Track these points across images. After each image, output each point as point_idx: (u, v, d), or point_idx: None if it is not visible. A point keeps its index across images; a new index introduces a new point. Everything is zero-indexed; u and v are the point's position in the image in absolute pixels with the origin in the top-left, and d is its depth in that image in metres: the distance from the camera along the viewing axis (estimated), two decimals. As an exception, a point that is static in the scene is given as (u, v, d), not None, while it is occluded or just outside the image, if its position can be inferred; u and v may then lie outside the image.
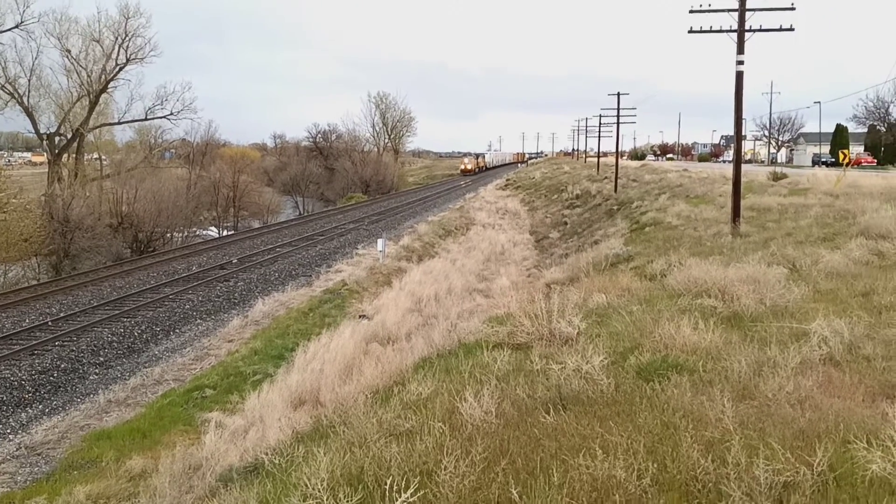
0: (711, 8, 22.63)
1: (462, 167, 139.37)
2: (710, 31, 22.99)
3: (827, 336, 7.60)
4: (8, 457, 14.60)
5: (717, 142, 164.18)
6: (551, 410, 6.15)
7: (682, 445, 5.04)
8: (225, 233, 59.84)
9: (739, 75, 22.77)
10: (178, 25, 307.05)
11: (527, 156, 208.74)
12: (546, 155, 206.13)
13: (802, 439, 5.11)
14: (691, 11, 22.86)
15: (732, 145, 27.19)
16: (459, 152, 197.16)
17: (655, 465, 4.80)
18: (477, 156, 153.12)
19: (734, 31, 22.51)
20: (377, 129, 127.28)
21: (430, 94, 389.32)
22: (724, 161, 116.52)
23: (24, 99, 49.82)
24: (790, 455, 4.67)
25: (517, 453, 5.26)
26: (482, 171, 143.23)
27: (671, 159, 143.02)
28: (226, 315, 25.86)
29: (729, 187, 26.33)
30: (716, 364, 7.11)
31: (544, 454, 5.19)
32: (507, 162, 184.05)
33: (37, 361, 19.76)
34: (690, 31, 23.28)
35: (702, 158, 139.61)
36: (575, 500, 4.49)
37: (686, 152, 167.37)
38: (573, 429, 5.65)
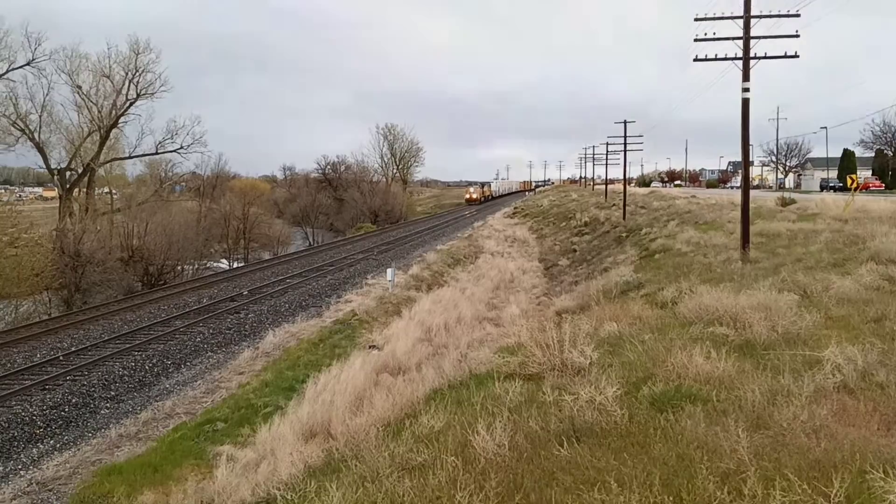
0: (716, 36, 22.83)
1: (467, 196, 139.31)
2: (716, 59, 23.16)
3: (840, 363, 7.56)
4: (19, 493, 14.53)
5: (724, 168, 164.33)
6: (565, 443, 6.12)
7: (697, 477, 5.01)
8: (235, 265, 60.01)
9: (745, 102, 22.87)
10: (187, 59, 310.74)
11: (533, 184, 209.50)
12: (553, 183, 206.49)
13: (818, 469, 5.07)
14: (696, 40, 23.09)
15: (740, 171, 27.22)
16: (467, 181, 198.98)
17: (671, 498, 4.77)
18: (482, 185, 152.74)
19: (739, 58, 22.67)
20: (385, 159, 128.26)
21: (438, 123, 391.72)
22: (731, 187, 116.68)
23: (36, 135, 50.24)
24: (807, 486, 4.64)
25: (531, 488, 5.24)
26: (488, 201, 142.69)
27: (679, 186, 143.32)
28: (236, 347, 25.85)
29: (737, 213, 26.33)
30: (729, 393, 7.07)
31: (559, 488, 5.16)
32: (514, 191, 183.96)
33: (48, 396, 19.75)
34: (696, 60, 23.49)
35: (710, 185, 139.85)
36: (591, 535, 4.46)
37: (694, 179, 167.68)
38: (587, 461, 5.62)
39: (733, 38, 22.72)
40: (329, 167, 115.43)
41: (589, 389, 7.00)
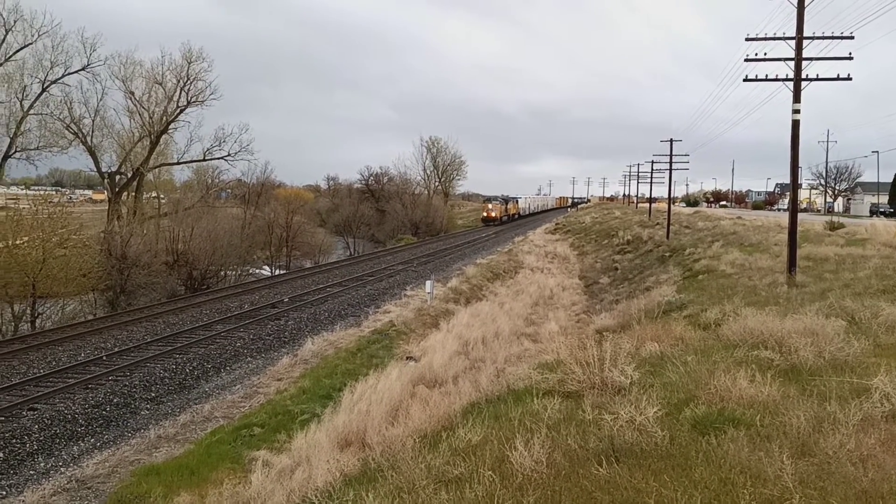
0: (767, 57, 22.54)
1: (484, 214, 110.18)
2: (766, 80, 22.85)
3: (889, 392, 7.37)
4: (59, 489, 14.77)
5: (771, 189, 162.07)
6: (604, 462, 6.05)
7: (740, 502, 4.91)
8: (277, 272, 60.59)
9: (796, 124, 22.51)
10: (235, 69, 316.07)
11: (570, 201, 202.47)
12: (590, 200, 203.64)
13: (865, 500, 4.94)
14: (747, 60, 22.81)
15: (788, 193, 26.80)
16: (503, 196, 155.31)
17: (713, 523, 4.68)
18: (506, 200, 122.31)
19: (790, 80, 22.32)
20: (428, 172, 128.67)
21: (480, 137, 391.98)
22: (778, 209, 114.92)
23: (88, 138, 51.31)
24: (853, 517, 4.52)
25: (569, 505, 5.18)
26: (513, 220, 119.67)
27: (724, 206, 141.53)
28: (276, 353, 26.08)
29: (784, 236, 25.88)
30: (774, 419, 6.93)
31: (597, 507, 5.10)
32: (549, 207, 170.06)
33: (90, 395, 20.11)
34: (746, 80, 23.17)
35: (756, 206, 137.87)
36: (629, 557, 4.40)
37: (740, 200, 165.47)
38: (627, 482, 5.54)
39: (784, 59, 22.39)
40: (372, 178, 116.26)
41: (629, 409, 6.92)
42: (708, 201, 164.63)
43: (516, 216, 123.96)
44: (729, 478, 5.44)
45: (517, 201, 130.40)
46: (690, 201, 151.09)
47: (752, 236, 37.70)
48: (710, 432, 6.57)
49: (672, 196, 60.84)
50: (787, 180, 25.19)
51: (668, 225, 50.97)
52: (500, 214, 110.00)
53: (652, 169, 70.49)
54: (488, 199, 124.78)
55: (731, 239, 37.97)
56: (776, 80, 22.65)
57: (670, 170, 58.18)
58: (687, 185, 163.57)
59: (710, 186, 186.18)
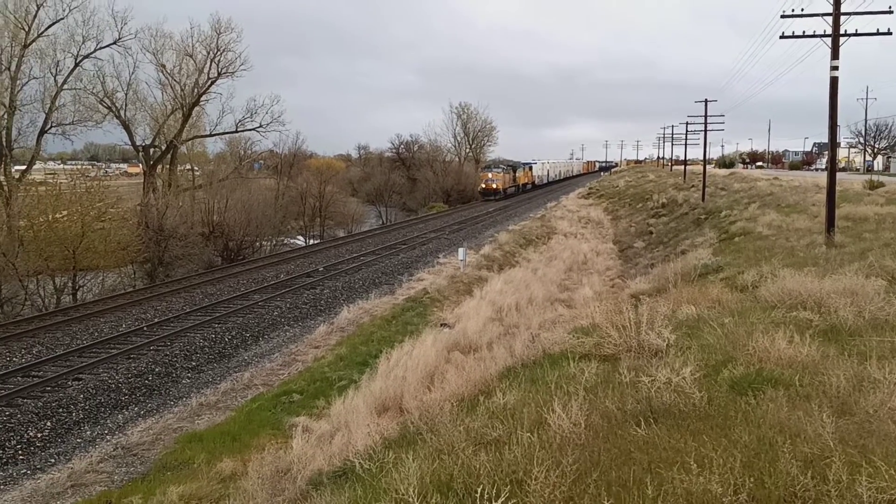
0: (804, 12, 22.00)
1: (483, 186, 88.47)
2: (804, 36, 22.32)
3: (932, 351, 7.28)
4: (106, 456, 15.17)
5: (809, 149, 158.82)
6: (642, 423, 6.07)
7: (779, 461, 4.91)
8: (311, 242, 61.06)
9: (834, 81, 22.00)
10: (264, 40, 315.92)
11: (597, 165, 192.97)
12: (617, 164, 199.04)
13: (907, 457, 4.91)
14: (783, 16, 22.30)
15: (826, 153, 26.27)
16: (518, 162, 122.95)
17: (752, 481, 4.69)
18: (513, 167, 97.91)
19: (828, 35, 21.79)
20: (458, 139, 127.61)
21: (509, 103, 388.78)
22: (816, 169, 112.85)
23: (122, 112, 51.75)
24: (894, 472, 4.50)
25: (609, 465, 5.22)
26: (524, 190, 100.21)
27: (761, 167, 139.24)
28: (312, 322, 26.40)
29: (822, 196, 25.45)
30: (813, 378, 6.90)
31: (636, 467, 5.13)
32: (575, 173, 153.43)
33: (133, 365, 20.56)
34: (782, 37, 22.67)
35: (793, 166, 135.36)
36: (669, 514, 4.44)
37: (776, 160, 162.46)
38: (665, 442, 5.56)
39: (822, 14, 21.83)
40: (402, 146, 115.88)
41: (666, 371, 6.91)
42: (744, 162, 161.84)
43: (529, 186, 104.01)
44: (768, 437, 5.44)
45: (531, 167, 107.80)
46: (726, 162, 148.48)
47: (790, 197, 37.14)
48: (749, 393, 6.55)
49: (707, 157, 59.92)
50: (825, 139, 24.74)
51: (704, 187, 50.35)
52: (504, 185, 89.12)
53: (686, 130, 69.42)
54: (488, 166, 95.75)
55: (767, 200, 37.44)
56: (813, 35, 22.12)
57: (705, 130, 57.29)
58: (722, 145, 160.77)
59: (745, 147, 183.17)
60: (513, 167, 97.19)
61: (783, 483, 4.66)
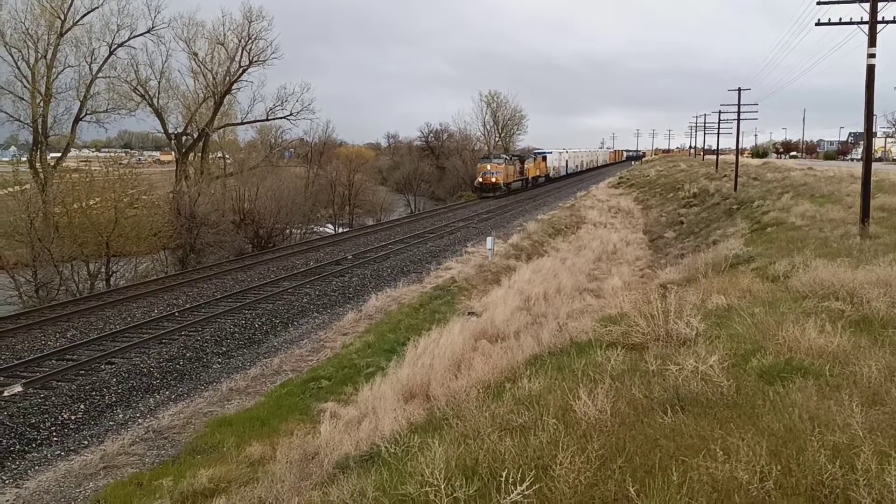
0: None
1: (479, 180, 73.87)
2: (840, 24, 21.96)
3: (967, 343, 7.16)
4: (137, 439, 15.37)
5: (844, 139, 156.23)
6: (669, 411, 6.05)
7: (807, 450, 4.87)
8: (340, 230, 61.37)
9: (870, 69, 21.61)
10: (294, 29, 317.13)
11: (624, 155, 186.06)
12: (645, 154, 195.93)
13: (939, 449, 4.84)
14: (819, 2, 21.96)
15: (861, 142, 25.80)
16: (524, 152, 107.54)
17: (779, 469, 4.66)
18: (521, 158, 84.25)
19: (865, 22, 21.41)
20: (488, 127, 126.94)
21: (539, 92, 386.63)
22: (851, 159, 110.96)
23: (154, 100, 52.31)
24: (926, 463, 4.44)
25: (634, 452, 5.21)
26: (535, 185, 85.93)
27: (795, 157, 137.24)
28: (341, 309, 26.54)
29: (857, 186, 25.05)
30: (843, 368, 6.82)
31: (662, 454, 5.12)
32: (599, 164, 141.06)
33: (164, 350, 20.81)
34: (818, 24, 22.34)
35: (828, 156, 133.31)
36: (694, 501, 4.42)
37: (811, 150, 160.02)
38: (692, 430, 5.54)
39: (859, 1, 21.46)
40: (431, 135, 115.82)
41: (694, 360, 6.87)
42: (777, 152, 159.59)
43: (542, 179, 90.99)
44: (796, 426, 5.40)
45: (544, 157, 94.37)
46: (759, 152, 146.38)
47: (824, 187, 36.61)
48: (778, 382, 6.51)
49: (740, 147, 59.18)
50: (861, 129, 24.31)
51: (736, 177, 49.77)
52: (507, 178, 74.77)
53: (719, 119, 68.65)
54: (486, 156, 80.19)
55: (801, 190, 36.92)
56: (850, 23, 21.77)
57: (738, 119, 56.60)
58: (755, 135, 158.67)
59: (779, 136, 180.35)
60: (520, 157, 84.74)
61: (811, 471, 4.62)
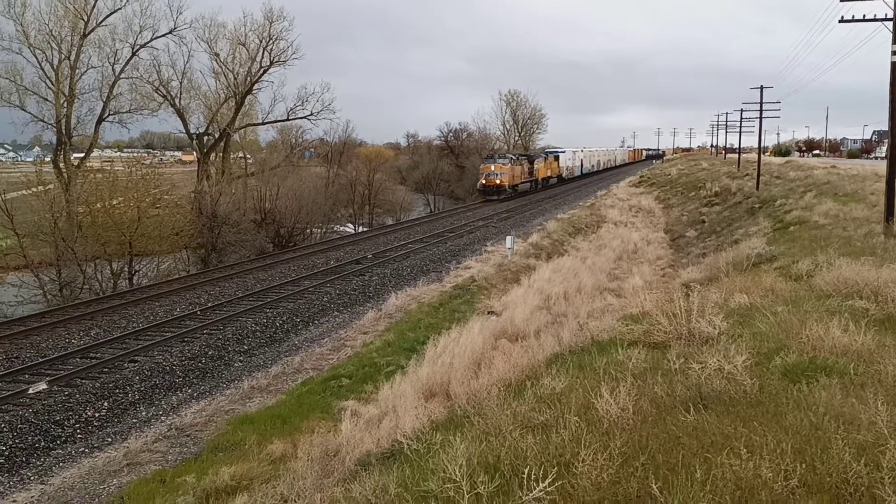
0: (865, -5, 21.44)
1: (483, 181, 68.39)
2: (863, 20, 21.76)
3: None
4: (160, 437, 15.50)
5: (868, 137, 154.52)
6: (691, 409, 6.03)
7: (832, 448, 4.84)
8: (360, 229, 61.54)
9: (894, 66, 21.38)
10: (314, 29, 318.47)
11: (644, 154, 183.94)
12: (665, 153, 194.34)
13: (967, 448, 4.79)
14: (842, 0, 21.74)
15: (886, 141, 25.51)
16: (535, 151, 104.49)
17: (803, 467, 4.64)
18: (530, 158, 79.73)
19: (889, 19, 21.18)
20: (507, 126, 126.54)
21: (559, 91, 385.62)
22: (875, 157, 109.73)
23: (176, 101, 52.65)
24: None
25: (657, 450, 5.20)
26: (545, 186, 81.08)
27: (818, 156, 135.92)
28: (361, 308, 26.63)
29: (881, 185, 24.79)
30: (868, 367, 6.77)
31: (685, 451, 5.11)
32: (617, 163, 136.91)
33: (186, 348, 20.97)
34: (842, 21, 22.16)
35: (851, 155, 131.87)
36: (718, 498, 4.41)
37: (834, 148, 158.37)
38: (715, 428, 5.52)
39: (884, -3, 21.26)
40: (451, 134, 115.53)
41: (717, 358, 6.85)
42: (800, 150, 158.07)
43: (554, 180, 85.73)
44: (820, 424, 5.36)
45: (556, 157, 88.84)
46: (781, 150, 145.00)
47: (847, 186, 36.27)
48: (801, 380, 6.47)
49: (762, 145, 58.67)
50: (886, 127, 24.02)
51: (759, 175, 49.36)
52: (513, 180, 69.42)
53: (741, 118, 67.99)
54: (490, 156, 74.72)
55: (824, 189, 36.59)
56: (874, 20, 21.56)
57: (760, 118, 56.05)
58: (778, 133, 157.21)
59: (802, 135, 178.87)
60: (528, 157, 79.73)
61: (835, 469, 4.60)
